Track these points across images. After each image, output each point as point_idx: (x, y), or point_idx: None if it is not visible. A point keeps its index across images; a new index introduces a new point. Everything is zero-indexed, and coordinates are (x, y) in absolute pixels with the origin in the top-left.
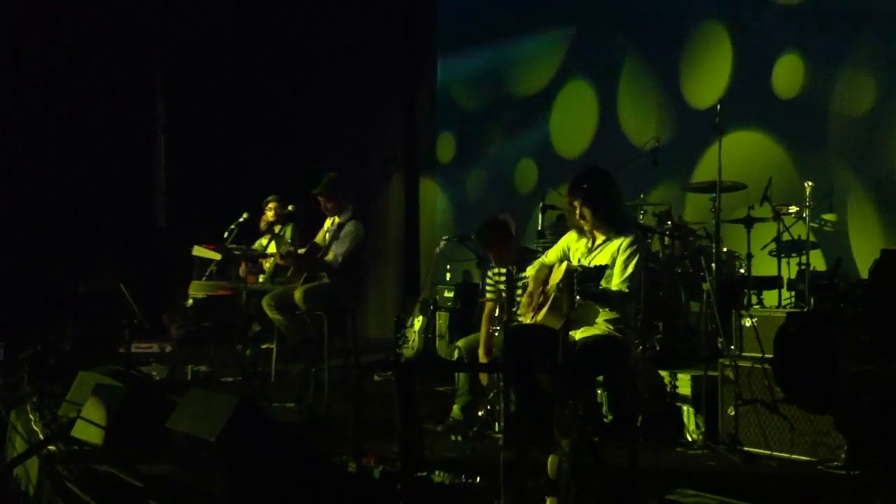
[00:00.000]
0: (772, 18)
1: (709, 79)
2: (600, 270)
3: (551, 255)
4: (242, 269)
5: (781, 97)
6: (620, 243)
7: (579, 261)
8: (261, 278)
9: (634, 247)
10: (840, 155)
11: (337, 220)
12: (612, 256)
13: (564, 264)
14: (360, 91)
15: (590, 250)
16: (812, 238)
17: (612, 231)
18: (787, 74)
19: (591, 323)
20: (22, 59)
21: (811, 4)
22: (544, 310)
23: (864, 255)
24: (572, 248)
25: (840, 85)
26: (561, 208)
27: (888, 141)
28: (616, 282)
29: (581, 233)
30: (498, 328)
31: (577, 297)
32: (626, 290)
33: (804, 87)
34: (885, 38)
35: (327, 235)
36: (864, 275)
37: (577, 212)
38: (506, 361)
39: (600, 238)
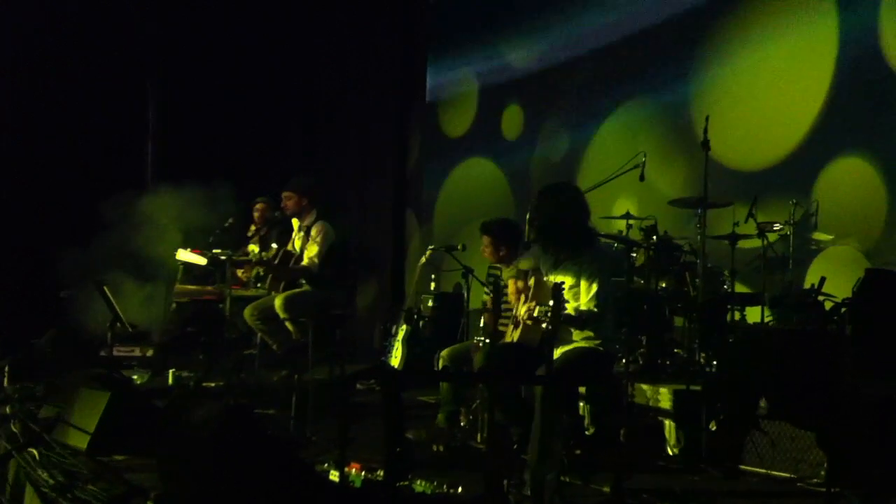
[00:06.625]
0: None
1: None
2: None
3: (524, 263)
4: (241, 272)
5: None
6: (585, 261)
7: (546, 274)
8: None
9: (597, 265)
10: None
11: (299, 223)
12: (577, 275)
13: (533, 278)
14: (351, 100)
15: (553, 265)
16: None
17: (571, 248)
18: None
19: (568, 340)
20: (15, 64)
21: None
22: (518, 331)
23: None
24: (541, 258)
25: None
26: None
27: None
28: (584, 300)
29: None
30: (484, 339)
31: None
32: (595, 310)
33: None
34: None
35: (297, 241)
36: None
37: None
38: (489, 374)
39: (565, 254)
